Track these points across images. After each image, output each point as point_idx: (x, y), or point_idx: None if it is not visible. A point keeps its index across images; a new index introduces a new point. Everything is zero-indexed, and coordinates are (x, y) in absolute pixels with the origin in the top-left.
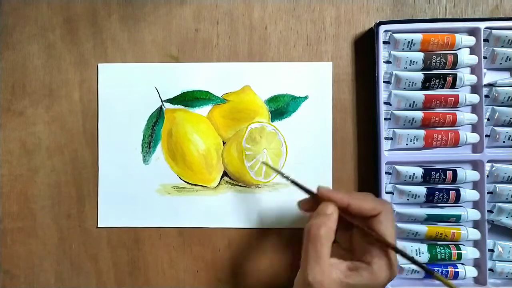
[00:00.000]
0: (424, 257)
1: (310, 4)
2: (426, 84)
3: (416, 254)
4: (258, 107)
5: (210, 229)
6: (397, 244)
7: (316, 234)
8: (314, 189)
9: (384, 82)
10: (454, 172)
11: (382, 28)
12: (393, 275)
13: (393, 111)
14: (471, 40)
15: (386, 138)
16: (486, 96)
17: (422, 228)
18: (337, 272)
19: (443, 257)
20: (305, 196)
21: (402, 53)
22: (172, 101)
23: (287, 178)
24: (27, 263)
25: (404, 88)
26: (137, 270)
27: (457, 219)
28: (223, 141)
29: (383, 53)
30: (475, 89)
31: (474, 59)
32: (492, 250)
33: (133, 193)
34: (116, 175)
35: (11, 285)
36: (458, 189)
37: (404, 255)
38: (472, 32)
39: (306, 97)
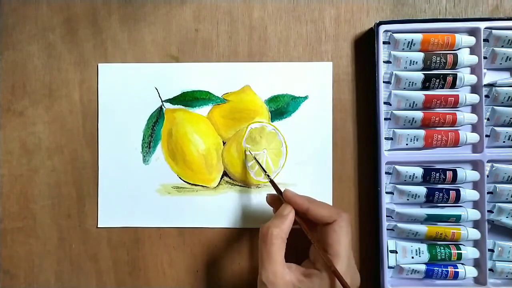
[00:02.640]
0: (424, 257)
1: (310, 4)
2: (426, 84)
3: (416, 254)
4: (258, 107)
5: (210, 229)
6: (397, 245)
7: (269, 235)
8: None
9: (384, 82)
10: (454, 172)
11: (382, 28)
12: (352, 284)
13: (393, 111)
14: (471, 40)
15: (386, 138)
16: (486, 96)
17: (422, 228)
18: (291, 275)
19: (443, 257)
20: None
21: (402, 53)
22: (172, 101)
23: (268, 176)
24: (27, 263)
25: (404, 88)
26: (137, 270)
27: (457, 219)
28: (223, 141)
29: (383, 53)
30: (475, 89)
31: (474, 59)
32: (492, 250)
33: (133, 193)
34: (116, 175)
35: (11, 285)
36: (458, 189)
37: (335, 274)
38: (472, 32)
39: (306, 97)
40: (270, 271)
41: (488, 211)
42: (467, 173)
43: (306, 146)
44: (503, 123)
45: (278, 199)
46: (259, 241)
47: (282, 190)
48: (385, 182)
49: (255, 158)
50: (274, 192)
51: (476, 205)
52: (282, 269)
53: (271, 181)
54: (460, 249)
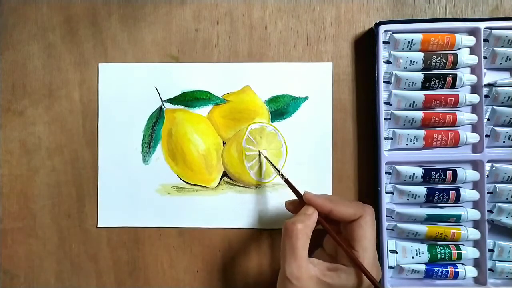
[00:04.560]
0: (424, 257)
1: (310, 4)
2: (426, 84)
3: (416, 254)
4: (258, 107)
5: (210, 229)
6: (397, 245)
7: (293, 229)
8: (303, 192)
9: (384, 82)
10: (454, 172)
11: (382, 28)
12: (375, 276)
13: (393, 111)
14: (471, 40)
15: (386, 138)
16: (486, 96)
17: (422, 228)
18: (316, 270)
19: (443, 257)
20: (294, 197)
21: (402, 53)
22: (172, 101)
23: (282, 176)
24: (27, 263)
25: (404, 88)
26: (137, 270)
27: (457, 219)
28: (223, 141)
29: (383, 53)
30: (475, 89)
31: (474, 59)
32: (492, 250)
33: (133, 193)
34: (116, 175)
35: (11, 285)
36: (458, 189)
37: (362, 270)
38: (472, 32)
39: (306, 98)
40: (294, 265)
41: (488, 211)
42: (467, 173)
43: (306, 146)
44: (503, 123)
45: (298, 202)
46: (282, 236)
47: (300, 190)
48: (385, 182)
49: (267, 159)
50: (273, 192)
51: (476, 205)
52: (307, 263)
53: (289, 183)
54: (460, 249)
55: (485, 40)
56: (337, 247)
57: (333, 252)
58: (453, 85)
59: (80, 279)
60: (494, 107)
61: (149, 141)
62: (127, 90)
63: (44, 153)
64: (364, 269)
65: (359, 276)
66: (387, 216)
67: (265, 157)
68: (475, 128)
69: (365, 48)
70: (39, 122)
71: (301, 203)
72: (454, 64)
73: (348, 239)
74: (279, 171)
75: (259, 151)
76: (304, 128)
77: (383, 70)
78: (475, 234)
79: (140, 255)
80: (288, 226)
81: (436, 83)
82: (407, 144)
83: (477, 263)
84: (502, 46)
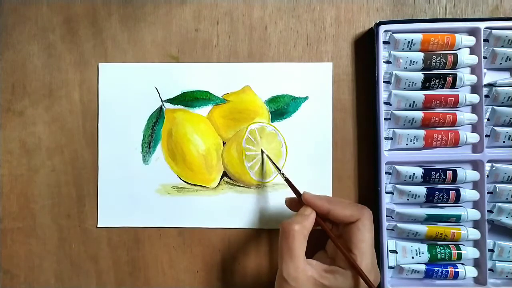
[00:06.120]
0: (424, 257)
1: (310, 4)
2: (426, 84)
3: (416, 254)
4: (258, 107)
5: (210, 229)
6: (397, 245)
7: (289, 230)
8: (302, 192)
9: (384, 82)
10: (454, 172)
11: (382, 28)
12: (373, 281)
13: (393, 111)
14: (471, 40)
15: (386, 138)
16: (486, 96)
17: (422, 228)
18: (313, 271)
19: (443, 257)
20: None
21: (402, 53)
22: (172, 101)
23: (282, 174)
24: (27, 263)
25: (404, 88)
26: (137, 270)
27: (457, 219)
28: (223, 142)
29: (383, 53)
30: (475, 89)
31: (474, 59)
32: (492, 250)
33: (133, 193)
34: (116, 175)
35: (11, 285)
36: (458, 189)
37: (359, 273)
38: (472, 32)
39: (306, 98)
40: (291, 266)
41: (488, 211)
42: (467, 173)
43: (306, 146)
44: (503, 123)
45: (297, 201)
46: (279, 237)
47: (300, 190)
48: (385, 182)
49: (268, 157)
50: (274, 192)
51: (476, 205)
52: (304, 264)
53: (289, 182)
54: (460, 249)
55: (485, 40)
56: (336, 249)
57: (334, 254)
58: (453, 85)
59: (80, 279)
60: (494, 107)
61: (149, 141)
62: (127, 90)
63: (44, 153)
64: (361, 272)
65: (356, 279)
66: (387, 216)
67: (267, 155)
68: (475, 128)
69: (365, 48)
70: (39, 122)
71: (300, 203)
72: (454, 64)
73: (346, 242)
74: (279, 170)
75: (262, 149)
76: (304, 128)
77: (383, 70)
78: (475, 234)
79: (140, 255)
80: (285, 227)
81: (436, 83)
82: (407, 144)
83: (477, 263)
84: (502, 46)
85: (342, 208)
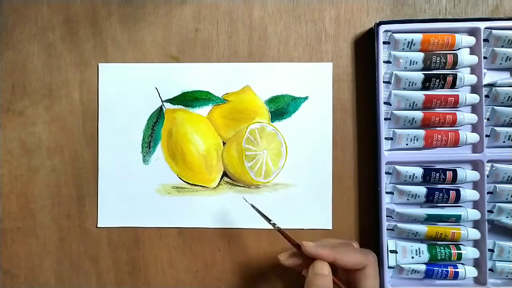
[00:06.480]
0: (424, 257)
1: (310, 4)
2: (426, 84)
3: (416, 254)
4: (258, 107)
5: (210, 229)
6: (397, 245)
7: None
8: (299, 242)
9: (384, 82)
10: (454, 172)
11: (382, 28)
12: None
13: (393, 111)
14: (471, 40)
15: (386, 138)
16: (486, 96)
17: (422, 228)
18: None
19: (443, 257)
20: (294, 196)
21: (402, 53)
22: (172, 101)
23: (273, 225)
24: (27, 263)
25: (404, 88)
26: (137, 270)
27: (457, 219)
28: (223, 142)
29: (383, 53)
30: (475, 89)
31: (474, 59)
32: (492, 250)
33: (133, 193)
34: (116, 175)
35: (11, 285)
36: (458, 189)
37: None
38: (472, 32)
39: (306, 98)
40: None
41: (488, 211)
42: (467, 173)
43: (306, 146)
44: (503, 123)
45: (296, 253)
46: None
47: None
48: (385, 182)
49: (257, 209)
50: (274, 192)
51: (476, 205)
52: None
53: (283, 234)
54: (460, 249)
55: (485, 40)
56: None
57: None
58: (453, 85)
59: (80, 279)
60: (494, 107)
61: (149, 141)
62: (127, 90)
63: (44, 153)
64: None
65: None
66: (387, 216)
67: (256, 209)
68: (475, 128)
69: (365, 48)
70: (39, 122)
71: (300, 255)
72: (454, 64)
73: (351, 286)
74: (269, 220)
75: (246, 200)
76: (304, 128)
77: (383, 70)
78: (475, 234)
79: (140, 255)
80: None
81: (436, 83)
82: (407, 144)
83: (477, 263)
84: (502, 46)
85: (348, 256)
